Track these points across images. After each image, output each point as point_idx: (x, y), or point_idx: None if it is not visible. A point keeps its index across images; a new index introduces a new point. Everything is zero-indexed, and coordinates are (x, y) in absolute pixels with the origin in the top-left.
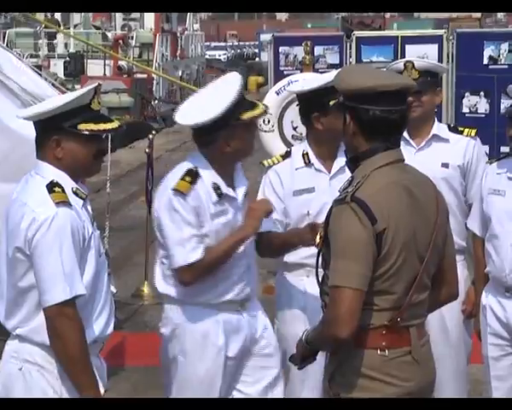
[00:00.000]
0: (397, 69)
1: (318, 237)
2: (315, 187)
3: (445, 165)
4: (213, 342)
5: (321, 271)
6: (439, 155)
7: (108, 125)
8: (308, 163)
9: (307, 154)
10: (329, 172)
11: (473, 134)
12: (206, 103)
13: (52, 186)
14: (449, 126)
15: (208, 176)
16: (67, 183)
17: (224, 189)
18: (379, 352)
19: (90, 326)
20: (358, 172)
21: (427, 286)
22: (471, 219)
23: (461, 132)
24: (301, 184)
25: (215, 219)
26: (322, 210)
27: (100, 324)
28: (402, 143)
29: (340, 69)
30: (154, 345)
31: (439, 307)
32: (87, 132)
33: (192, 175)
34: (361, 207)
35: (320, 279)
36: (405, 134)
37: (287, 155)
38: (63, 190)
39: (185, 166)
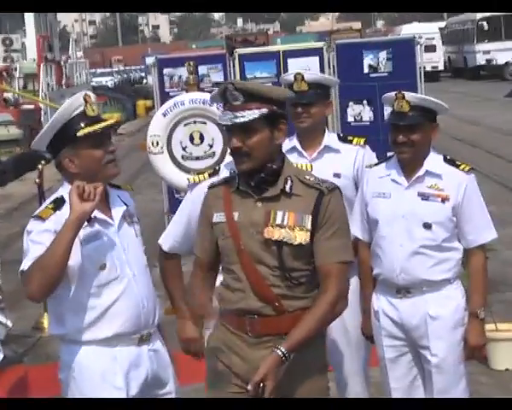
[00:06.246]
0: (287, 81)
1: (301, 232)
2: None
3: (337, 175)
4: (112, 382)
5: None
6: (331, 165)
7: None
8: None
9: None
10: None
11: (361, 143)
12: None
13: None
14: (339, 136)
15: None
16: None
17: (93, 212)
18: None
19: None
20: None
21: None
22: (352, 223)
23: (350, 142)
24: None
25: (85, 244)
26: None
27: None
28: (295, 154)
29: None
30: (57, 376)
31: None
32: None
33: (57, 202)
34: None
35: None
36: (298, 146)
37: (214, 172)
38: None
39: (54, 196)
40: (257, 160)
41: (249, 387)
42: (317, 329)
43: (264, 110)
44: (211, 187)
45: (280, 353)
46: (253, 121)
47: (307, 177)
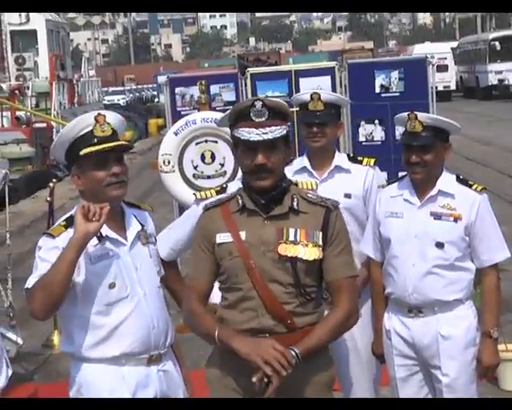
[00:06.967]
0: (302, 100)
1: (314, 248)
2: None
3: (348, 195)
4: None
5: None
6: (342, 185)
7: None
8: None
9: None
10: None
11: (371, 163)
12: None
13: None
14: (348, 156)
15: None
16: None
17: (105, 231)
18: None
19: None
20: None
21: None
22: (364, 243)
23: (360, 162)
24: None
25: (95, 262)
26: None
27: None
28: (305, 174)
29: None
30: (67, 394)
31: None
32: None
33: (69, 220)
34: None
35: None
36: (308, 166)
37: (222, 190)
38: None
39: (69, 213)
40: (277, 177)
41: (254, 379)
42: (328, 340)
43: (285, 127)
44: (206, 209)
45: (293, 353)
46: (279, 138)
47: (309, 194)
